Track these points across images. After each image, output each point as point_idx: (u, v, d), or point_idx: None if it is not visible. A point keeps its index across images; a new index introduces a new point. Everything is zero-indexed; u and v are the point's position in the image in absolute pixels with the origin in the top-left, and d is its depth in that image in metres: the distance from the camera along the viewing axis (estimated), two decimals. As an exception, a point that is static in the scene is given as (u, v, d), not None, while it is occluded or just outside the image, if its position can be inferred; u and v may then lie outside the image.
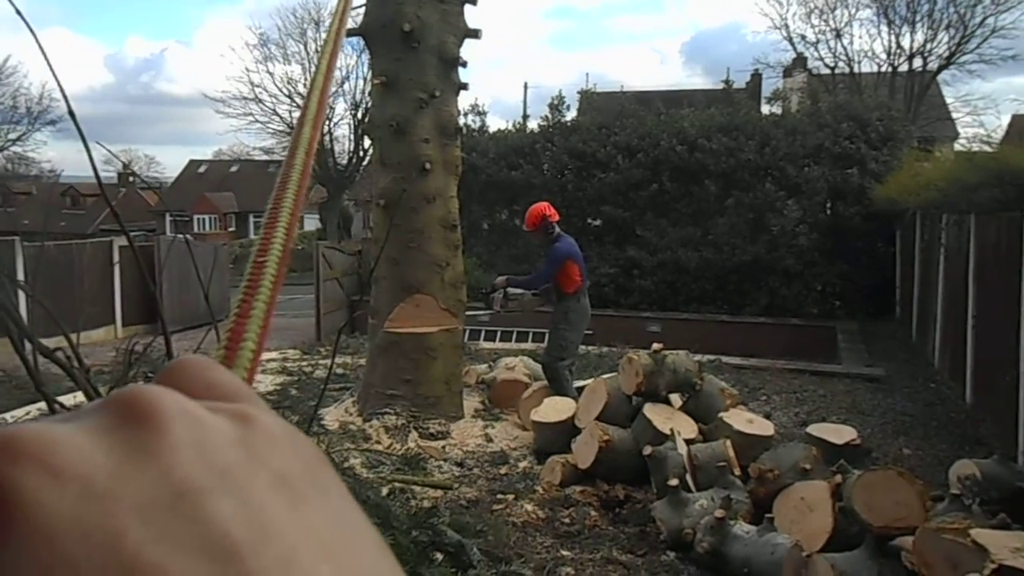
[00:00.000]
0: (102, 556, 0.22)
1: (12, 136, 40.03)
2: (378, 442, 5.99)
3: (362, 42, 6.73)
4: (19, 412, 6.76)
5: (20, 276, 11.55)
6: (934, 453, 6.32)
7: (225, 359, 0.35)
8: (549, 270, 6.70)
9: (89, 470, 0.23)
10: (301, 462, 0.27)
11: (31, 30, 1.59)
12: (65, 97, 2.17)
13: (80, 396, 3.98)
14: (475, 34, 6.69)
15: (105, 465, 0.24)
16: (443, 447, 6.04)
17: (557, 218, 6.76)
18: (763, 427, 5.40)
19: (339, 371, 8.16)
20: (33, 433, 0.24)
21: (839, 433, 5.36)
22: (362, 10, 6.50)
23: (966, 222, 7.95)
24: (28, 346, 2.50)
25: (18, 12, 1.55)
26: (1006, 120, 28.86)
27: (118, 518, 0.22)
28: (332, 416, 6.54)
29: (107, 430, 0.25)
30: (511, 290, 7.03)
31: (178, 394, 0.27)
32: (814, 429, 5.53)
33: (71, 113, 2.15)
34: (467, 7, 6.65)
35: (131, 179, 44.89)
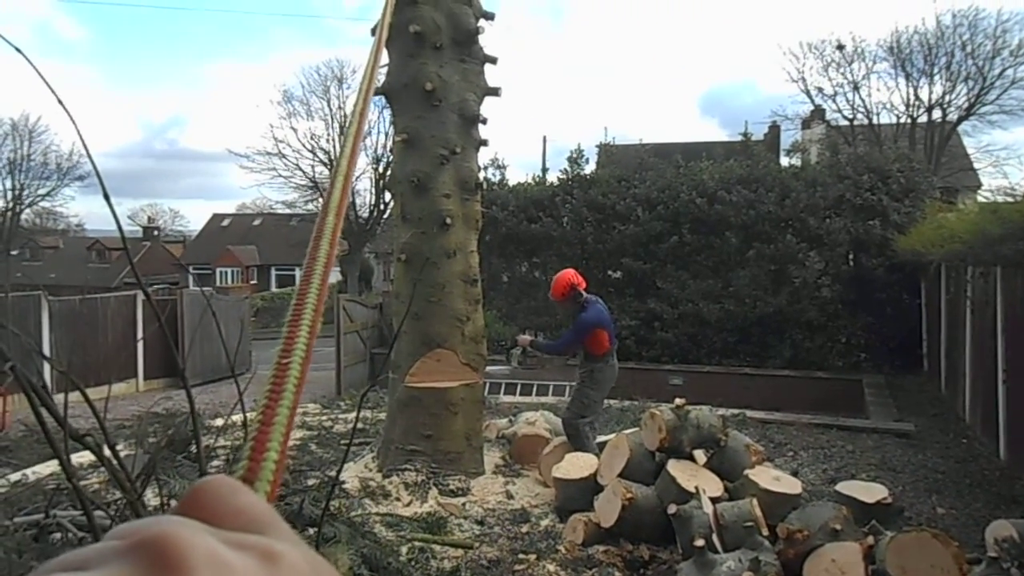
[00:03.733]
0: None
1: (41, 191, 41.01)
2: (398, 499, 5.92)
3: (384, 99, 6.85)
4: (41, 468, 6.76)
5: (46, 330, 11.70)
6: (969, 512, 6.13)
7: (248, 471, 0.34)
8: (574, 339, 6.63)
9: None
10: None
11: (59, 100, 1.63)
12: (90, 157, 2.21)
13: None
14: (495, 92, 6.79)
15: None
16: (463, 504, 5.95)
17: (584, 286, 6.63)
18: (790, 485, 5.27)
19: (359, 426, 8.11)
20: None
21: (869, 491, 5.22)
22: (384, 69, 6.64)
23: (992, 275, 7.85)
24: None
25: (45, 82, 1.59)
26: (1029, 170, 28.76)
27: None
28: (352, 472, 6.49)
29: None
30: (529, 349, 7.03)
31: (205, 536, 0.26)
32: (843, 487, 5.39)
33: (98, 175, 2.19)
34: (487, 65, 6.77)
35: (155, 233, 45.76)
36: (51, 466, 6.76)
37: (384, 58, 6.57)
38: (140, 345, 14.30)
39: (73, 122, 1.70)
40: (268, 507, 0.30)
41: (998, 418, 7.61)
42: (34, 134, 39.35)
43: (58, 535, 3.60)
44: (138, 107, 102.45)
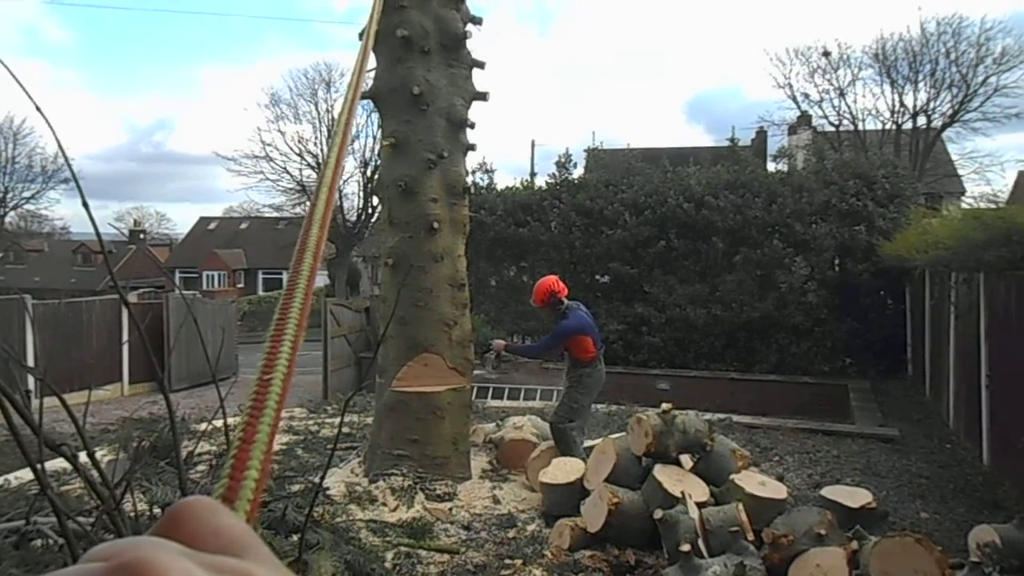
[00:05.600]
0: None
1: (26, 194, 40.71)
2: (384, 504, 5.90)
3: (371, 103, 6.84)
4: (23, 473, 6.69)
5: (29, 334, 11.59)
6: (952, 517, 6.17)
7: (228, 490, 0.34)
8: (551, 344, 6.71)
9: None
10: None
11: (36, 106, 1.62)
12: (67, 161, 2.20)
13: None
14: (483, 97, 6.79)
15: None
16: (450, 509, 5.94)
17: (566, 293, 6.64)
18: (776, 490, 5.30)
19: (345, 430, 8.08)
20: None
21: (854, 496, 5.26)
22: (372, 74, 6.63)
23: (975, 280, 7.91)
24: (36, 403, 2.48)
25: (22, 87, 1.58)
26: (1011, 177, 29.10)
27: None
28: (338, 477, 6.46)
29: None
30: (504, 353, 7.05)
31: (182, 560, 0.26)
32: (828, 492, 5.43)
33: (75, 178, 2.18)
34: (475, 70, 6.77)
35: (142, 236, 45.48)
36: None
37: (371, 62, 6.56)
38: (125, 349, 14.18)
39: (50, 127, 1.69)
40: (247, 529, 0.31)
41: (981, 423, 7.67)
42: (19, 136, 39.08)
43: (39, 542, 3.57)
44: (124, 110, 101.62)
